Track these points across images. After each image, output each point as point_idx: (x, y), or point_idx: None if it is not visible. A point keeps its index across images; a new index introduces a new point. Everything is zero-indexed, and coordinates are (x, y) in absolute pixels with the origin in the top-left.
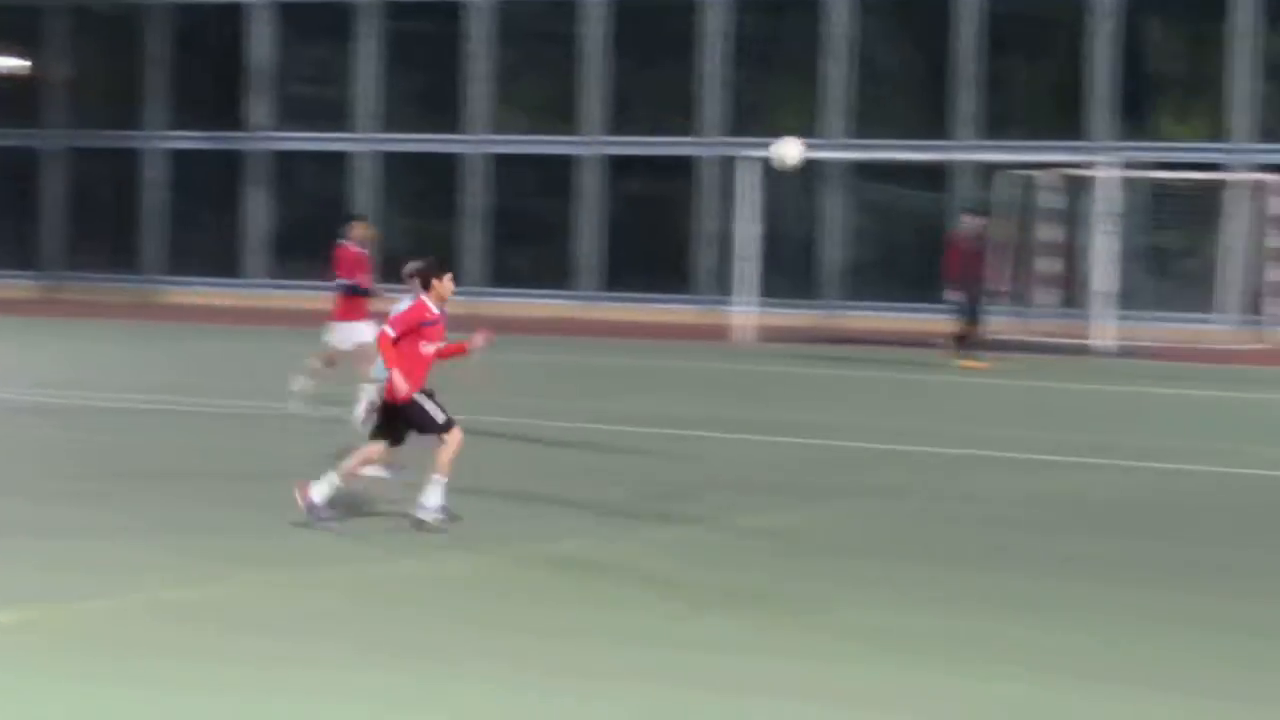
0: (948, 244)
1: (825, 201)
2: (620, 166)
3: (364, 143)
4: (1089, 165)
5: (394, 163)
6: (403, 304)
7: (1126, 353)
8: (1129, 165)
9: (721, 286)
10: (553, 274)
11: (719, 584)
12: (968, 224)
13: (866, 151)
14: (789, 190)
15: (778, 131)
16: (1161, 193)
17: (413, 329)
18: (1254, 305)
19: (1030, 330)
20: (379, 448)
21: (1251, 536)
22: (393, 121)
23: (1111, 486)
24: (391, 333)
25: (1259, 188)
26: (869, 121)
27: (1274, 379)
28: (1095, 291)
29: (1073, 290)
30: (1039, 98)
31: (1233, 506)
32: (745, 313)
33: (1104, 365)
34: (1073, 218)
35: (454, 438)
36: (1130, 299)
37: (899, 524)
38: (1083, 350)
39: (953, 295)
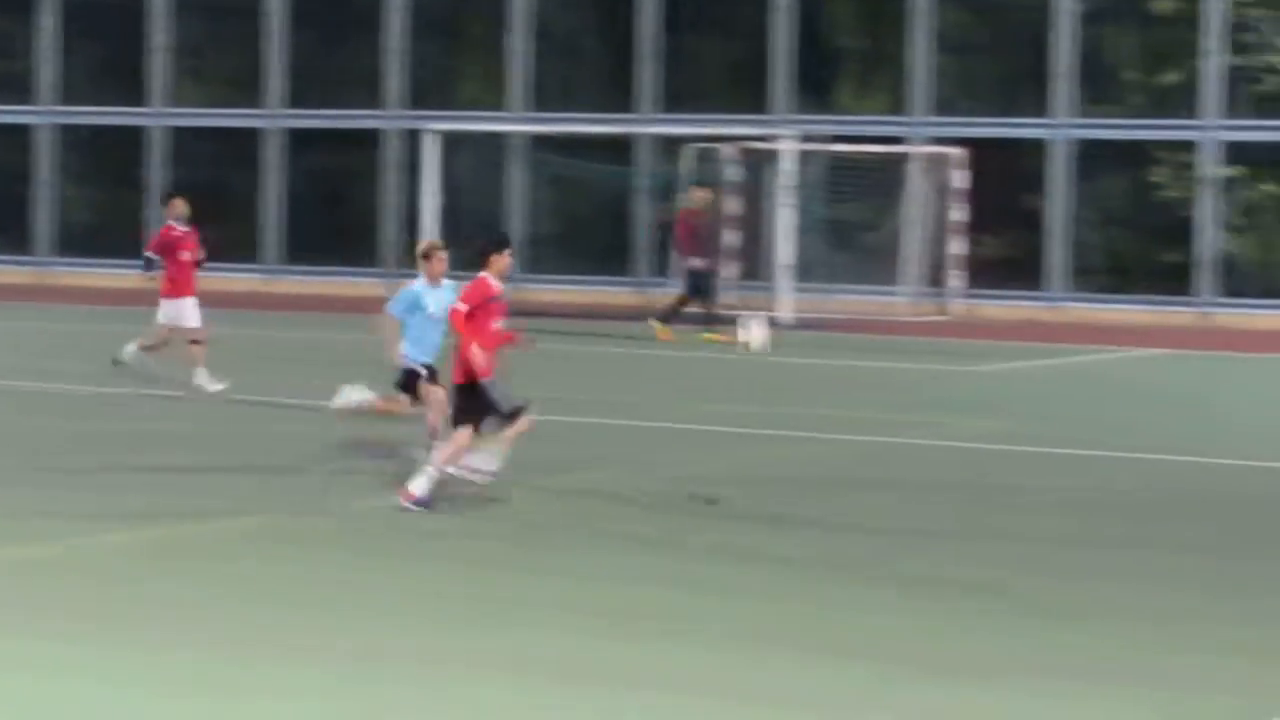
0: (678, 219)
1: (508, 174)
2: (302, 139)
3: (44, 115)
4: (770, 138)
5: (75, 135)
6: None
7: (808, 325)
8: (809, 138)
9: (406, 260)
10: (236, 247)
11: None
12: (697, 198)
13: (548, 124)
14: (472, 164)
15: (460, 104)
16: (842, 166)
17: (482, 305)
18: (935, 278)
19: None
20: (467, 434)
21: (993, 509)
22: (73, 94)
23: (821, 461)
24: (464, 307)
25: (938, 160)
26: (551, 95)
27: (957, 351)
28: (777, 264)
29: (755, 263)
30: (721, 71)
31: (953, 479)
32: None
33: (788, 338)
34: (754, 191)
35: (523, 423)
36: (812, 272)
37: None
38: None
39: (693, 266)
